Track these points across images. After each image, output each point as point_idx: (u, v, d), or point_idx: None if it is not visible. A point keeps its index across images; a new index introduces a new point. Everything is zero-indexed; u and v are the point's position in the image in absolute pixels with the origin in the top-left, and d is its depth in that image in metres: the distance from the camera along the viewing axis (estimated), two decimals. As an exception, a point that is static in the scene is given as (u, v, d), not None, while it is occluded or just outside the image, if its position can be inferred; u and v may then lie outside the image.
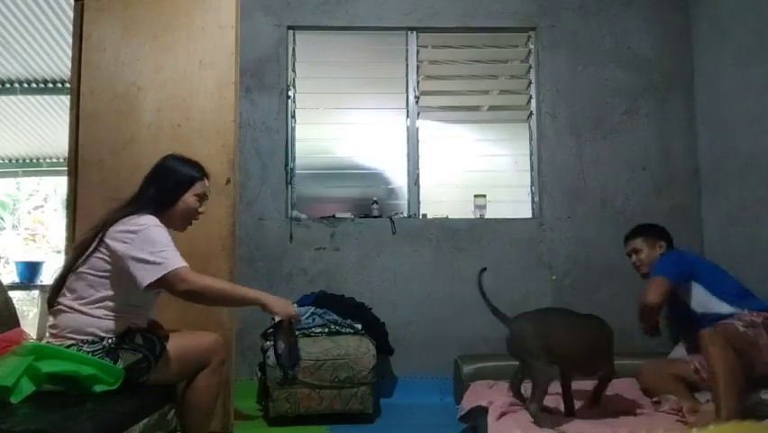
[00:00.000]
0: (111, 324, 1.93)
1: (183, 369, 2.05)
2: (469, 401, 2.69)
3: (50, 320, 1.97)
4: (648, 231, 2.87)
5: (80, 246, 1.98)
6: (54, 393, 1.78)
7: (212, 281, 1.98)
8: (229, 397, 2.64)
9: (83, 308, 1.92)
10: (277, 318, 2.09)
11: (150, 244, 1.89)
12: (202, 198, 2.14)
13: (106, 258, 1.93)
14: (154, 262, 1.87)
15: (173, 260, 1.90)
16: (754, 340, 2.27)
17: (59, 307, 1.95)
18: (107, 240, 1.93)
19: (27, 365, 1.70)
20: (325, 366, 2.94)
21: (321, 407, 2.96)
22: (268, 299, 2.02)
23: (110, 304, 1.94)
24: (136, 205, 2.02)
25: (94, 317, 1.92)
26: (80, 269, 1.94)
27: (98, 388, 1.80)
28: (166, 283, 1.89)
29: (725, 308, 2.49)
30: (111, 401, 1.75)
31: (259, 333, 3.35)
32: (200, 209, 2.14)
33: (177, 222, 2.10)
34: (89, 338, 1.89)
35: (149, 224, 1.94)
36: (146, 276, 1.87)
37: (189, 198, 2.09)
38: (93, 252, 1.93)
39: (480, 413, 2.52)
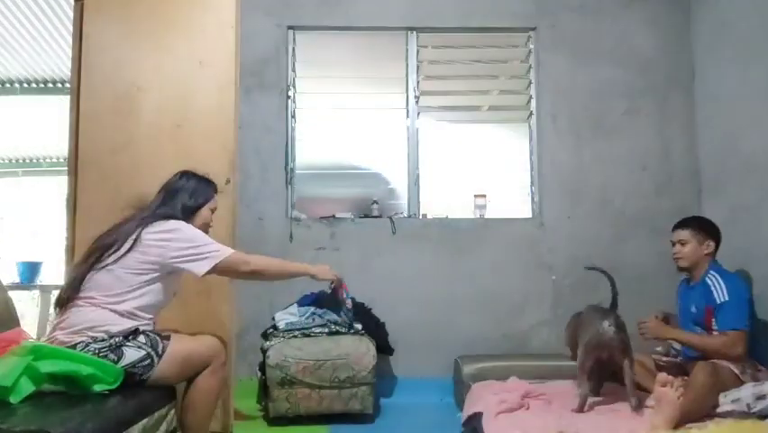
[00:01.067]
0: (127, 320, 1.98)
1: (184, 370, 2.08)
2: (468, 409, 2.68)
3: (60, 316, 1.98)
4: (700, 225, 2.78)
5: (106, 246, 2.04)
6: (54, 393, 1.78)
7: (267, 260, 2.34)
8: (229, 397, 2.64)
9: (107, 301, 1.97)
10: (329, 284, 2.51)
11: (192, 240, 2.09)
12: (214, 210, 2.33)
13: (143, 258, 2.02)
14: (204, 252, 2.08)
15: (224, 248, 2.13)
16: (737, 382, 2.37)
17: (76, 302, 1.97)
18: (143, 243, 2.03)
19: (26, 365, 1.71)
20: (325, 366, 2.94)
21: (321, 407, 2.96)
22: (312, 269, 2.37)
23: (138, 298, 2.02)
24: (162, 213, 2.15)
25: (115, 313, 1.97)
26: (110, 266, 2.00)
27: (98, 387, 1.81)
28: (225, 268, 2.12)
29: None
30: (111, 401, 1.76)
31: (259, 333, 3.35)
32: (211, 223, 2.34)
33: None
34: (100, 335, 1.92)
35: (184, 225, 2.12)
36: (201, 266, 2.07)
37: (206, 212, 2.28)
38: (128, 252, 2.02)
39: (478, 419, 2.52)
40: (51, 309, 4.68)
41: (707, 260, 2.75)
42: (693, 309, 2.72)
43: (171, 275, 2.12)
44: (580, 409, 2.36)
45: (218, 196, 2.34)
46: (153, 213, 2.15)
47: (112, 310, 1.97)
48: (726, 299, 2.58)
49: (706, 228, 2.78)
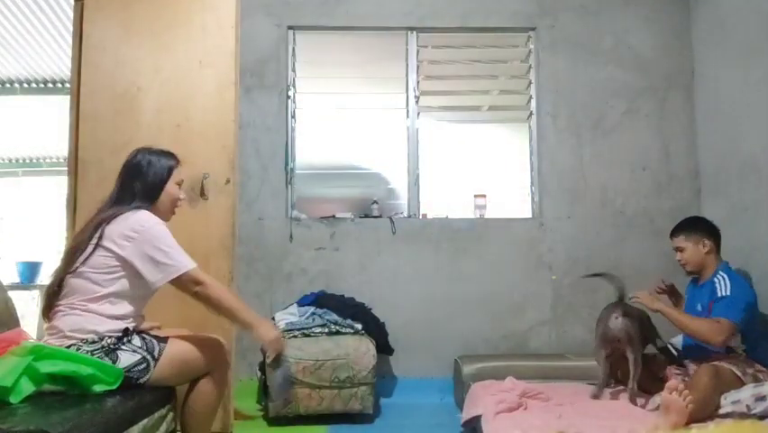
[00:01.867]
0: (112, 321, 1.93)
1: (184, 372, 2.05)
2: (468, 411, 2.67)
3: (48, 324, 1.95)
4: (691, 227, 2.78)
5: (76, 248, 1.97)
6: (54, 393, 1.78)
7: (222, 293, 2.04)
8: (229, 397, 2.63)
9: (86, 305, 1.92)
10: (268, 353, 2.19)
11: (157, 244, 1.95)
12: (181, 184, 2.18)
13: (108, 256, 1.94)
14: (165, 264, 1.94)
15: (185, 261, 1.98)
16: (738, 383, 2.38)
17: (58, 309, 1.94)
18: (106, 241, 1.94)
19: (26, 365, 1.70)
20: (325, 366, 2.94)
21: (321, 407, 2.96)
22: (260, 327, 2.09)
23: (113, 299, 1.95)
24: (124, 202, 2.03)
25: (96, 314, 1.92)
26: (80, 269, 1.93)
27: (98, 388, 1.80)
28: (180, 283, 1.97)
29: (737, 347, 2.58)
30: (110, 402, 1.75)
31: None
32: (181, 196, 2.19)
33: (163, 212, 2.12)
34: (90, 337, 1.89)
35: (150, 222, 1.98)
36: (159, 278, 1.95)
37: (172, 188, 2.13)
38: (93, 251, 1.93)
39: (478, 419, 2.52)
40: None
41: (711, 258, 2.75)
42: (699, 308, 2.71)
43: (138, 278, 1.99)
44: (596, 397, 2.51)
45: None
46: (113, 203, 2.03)
47: (93, 312, 1.92)
48: (728, 293, 2.59)
49: (698, 228, 2.78)
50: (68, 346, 1.87)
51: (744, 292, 2.62)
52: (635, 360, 2.42)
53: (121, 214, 1.98)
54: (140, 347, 1.95)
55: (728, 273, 2.68)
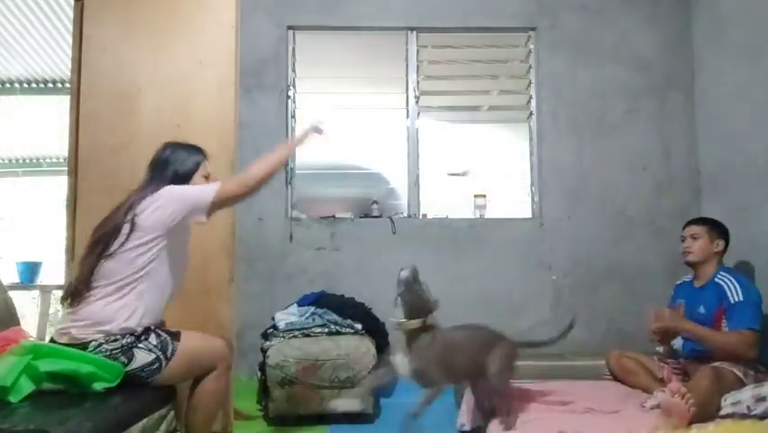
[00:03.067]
0: (137, 315, 1.95)
1: (189, 371, 2.07)
2: (469, 420, 2.67)
3: (72, 308, 1.95)
4: (714, 224, 2.83)
5: (110, 233, 1.99)
6: (54, 392, 1.78)
7: (253, 173, 2.13)
8: (229, 397, 2.63)
9: (115, 291, 1.94)
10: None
11: (182, 194, 2.06)
12: (207, 178, 2.22)
13: (143, 237, 1.98)
14: (198, 194, 2.06)
15: (211, 185, 2.09)
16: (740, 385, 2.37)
17: (86, 295, 1.94)
18: (140, 224, 1.98)
19: (26, 364, 1.70)
20: (325, 366, 2.94)
21: (321, 407, 2.96)
22: (292, 145, 2.40)
23: (143, 288, 1.98)
24: (153, 190, 2.07)
25: (124, 305, 1.93)
26: (116, 252, 1.96)
27: (97, 386, 1.81)
28: (223, 201, 2.08)
29: None
30: (111, 401, 1.75)
31: (259, 333, 3.35)
32: None
33: None
34: (113, 336, 1.90)
35: (166, 188, 2.07)
36: (201, 211, 2.05)
37: (198, 180, 2.18)
38: (130, 231, 1.97)
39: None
40: (58, 305, 4.67)
41: (715, 259, 2.77)
42: (702, 310, 2.70)
43: (177, 240, 2.08)
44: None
45: (207, 163, 2.25)
46: (143, 192, 2.08)
47: (120, 300, 1.93)
48: (741, 299, 2.58)
49: (719, 228, 2.82)
50: (89, 342, 1.88)
51: (755, 294, 2.63)
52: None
53: (148, 195, 2.05)
54: (155, 346, 1.96)
55: (732, 274, 2.69)
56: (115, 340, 1.90)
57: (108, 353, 1.88)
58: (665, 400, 2.14)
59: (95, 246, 2.00)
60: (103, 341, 1.89)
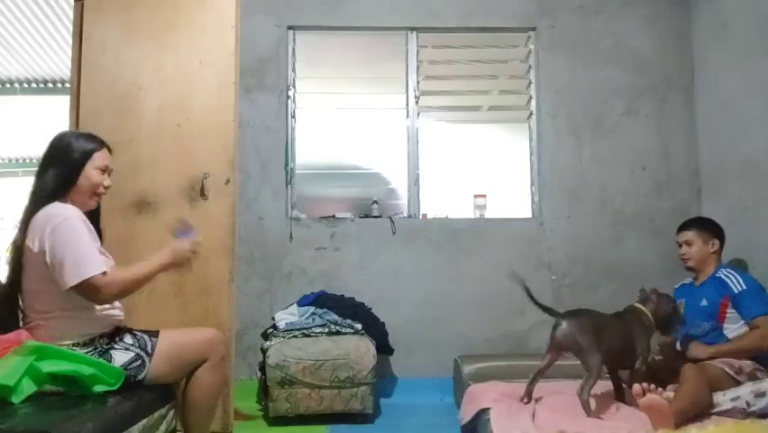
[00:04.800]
0: (93, 323, 1.91)
1: (180, 365, 2.03)
2: (469, 410, 2.67)
3: (29, 335, 1.85)
4: (704, 225, 2.84)
5: (15, 260, 1.86)
6: (54, 393, 1.78)
7: (123, 278, 1.88)
8: (229, 397, 2.64)
9: (59, 314, 1.86)
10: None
11: (63, 246, 1.79)
12: (105, 170, 2.00)
13: (36, 263, 1.82)
14: (71, 266, 1.78)
15: (90, 266, 1.80)
16: (732, 382, 2.39)
17: (32, 321, 1.86)
18: (31, 247, 1.81)
19: (28, 365, 1.70)
20: (325, 366, 2.94)
21: (321, 407, 2.96)
22: (158, 261, 1.96)
23: (77, 306, 1.87)
24: (39, 195, 1.89)
25: (72, 318, 1.88)
26: (26, 285, 1.85)
27: (98, 388, 1.81)
28: (84, 293, 1.81)
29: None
30: (111, 401, 1.75)
31: (259, 333, 3.35)
32: (105, 183, 2.01)
33: (82, 201, 1.96)
34: (83, 340, 1.88)
35: (62, 217, 1.82)
36: (66, 280, 1.79)
37: (91, 173, 1.95)
38: (26, 263, 1.83)
39: (480, 415, 2.52)
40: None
41: (713, 259, 2.80)
42: (704, 303, 2.73)
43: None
44: (523, 399, 2.49)
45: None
46: (30, 196, 1.88)
47: (69, 318, 1.86)
48: (745, 287, 2.63)
49: (709, 228, 2.83)
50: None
51: (756, 282, 2.67)
52: (587, 368, 2.35)
53: (35, 212, 1.84)
54: (132, 345, 1.94)
55: (733, 269, 2.74)
56: (86, 344, 1.86)
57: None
58: (641, 403, 2.15)
59: (12, 268, 1.87)
60: (74, 348, 1.85)
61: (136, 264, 1.96)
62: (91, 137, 2.02)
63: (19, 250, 1.85)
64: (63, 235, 1.80)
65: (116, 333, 1.96)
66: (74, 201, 1.93)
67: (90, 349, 1.87)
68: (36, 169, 1.94)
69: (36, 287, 1.86)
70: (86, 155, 1.95)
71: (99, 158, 1.98)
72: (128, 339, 1.95)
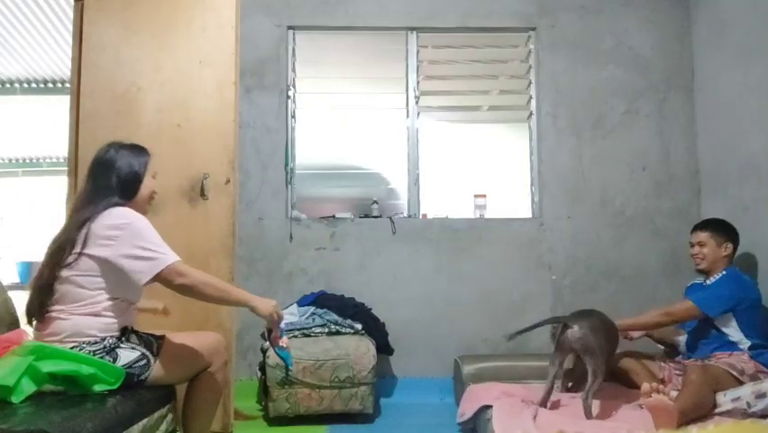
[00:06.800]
0: (108, 321, 1.92)
1: (183, 369, 2.05)
2: (469, 407, 2.67)
3: (42, 329, 1.90)
4: (718, 227, 2.83)
5: (61, 250, 1.91)
6: (54, 393, 1.78)
7: (207, 278, 1.97)
8: (229, 397, 2.64)
9: (80, 310, 1.89)
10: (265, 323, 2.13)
11: (140, 239, 1.89)
12: (154, 176, 2.12)
13: (95, 258, 1.88)
14: (148, 258, 1.88)
15: (168, 254, 1.91)
16: (735, 383, 2.39)
17: (51, 314, 1.89)
18: (91, 242, 1.88)
19: (28, 365, 1.70)
20: (325, 366, 2.94)
21: (321, 407, 2.96)
22: (255, 301, 2.03)
23: (104, 303, 1.92)
24: (101, 199, 1.95)
25: (93, 315, 1.90)
26: (67, 275, 1.88)
27: (98, 387, 1.80)
28: (162, 278, 1.90)
29: (741, 345, 2.61)
30: (111, 401, 1.75)
31: (259, 333, 3.35)
32: (156, 189, 2.13)
33: (142, 207, 2.07)
34: (91, 339, 1.88)
35: (132, 218, 1.93)
36: (143, 274, 1.88)
37: (148, 182, 2.08)
38: (79, 256, 1.88)
39: (480, 414, 2.52)
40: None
41: (725, 262, 2.79)
42: None
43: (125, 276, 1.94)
44: (542, 403, 2.45)
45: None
46: (89, 201, 1.95)
47: (91, 314, 1.89)
48: (712, 281, 2.71)
49: (725, 230, 2.82)
50: (71, 348, 1.86)
51: (728, 288, 2.66)
52: (593, 371, 2.34)
53: (101, 212, 1.91)
54: (138, 344, 1.95)
55: (729, 273, 2.71)
56: (95, 343, 1.88)
57: (91, 354, 1.85)
58: (646, 402, 2.15)
59: (50, 262, 1.92)
60: (84, 345, 1.86)
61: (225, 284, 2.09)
62: (142, 147, 2.12)
63: (63, 249, 1.90)
64: (139, 234, 1.90)
65: (123, 333, 1.97)
66: (134, 208, 2.01)
67: (98, 348, 1.88)
68: (92, 176, 2.02)
69: (82, 278, 1.89)
70: (145, 166, 2.07)
71: (152, 166, 2.10)
72: (134, 339, 1.97)
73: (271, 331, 2.13)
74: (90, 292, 1.90)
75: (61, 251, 1.90)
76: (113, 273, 1.91)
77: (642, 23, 3.91)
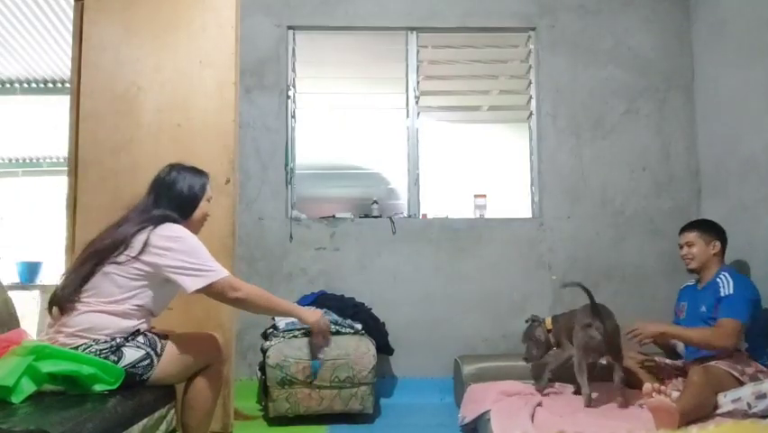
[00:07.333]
0: (124, 324, 1.95)
1: (184, 369, 2.07)
2: (470, 410, 2.67)
3: (60, 318, 1.94)
4: (705, 227, 2.85)
5: (112, 247, 1.98)
6: (54, 393, 1.78)
7: (258, 292, 2.16)
8: (229, 397, 2.64)
9: (107, 307, 1.93)
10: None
11: (193, 254, 2.01)
12: (209, 200, 2.25)
13: (143, 263, 1.97)
14: (201, 269, 2.00)
15: (219, 270, 2.04)
16: (737, 384, 2.39)
17: (77, 305, 1.93)
18: (149, 247, 1.97)
19: (27, 365, 1.70)
20: (325, 366, 2.94)
21: (321, 407, 2.96)
22: (302, 312, 2.30)
23: (133, 306, 1.98)
24: (158, 214, 2.07)
25: (114, 315, 1.94)
26: (108, 269, 1.95)
27: (98, 387, 1.81)
28: (215, 290, 2.03)
29: (740, 345, 2.59)
30: (111, 401, 1.75)
31: (259, 333, 3.35)
32: (209, 212, 2.27)
33: (195, 228, 2.19)
34: (102, 337, 1.90)
35: (185, 234, 2.04)
36: (194, 283, 1.99)
37: (204, 205, 2.21)
38: (131, 258, 1.96)
39: (481, 415, 2.52)
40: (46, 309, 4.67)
41: (715, 261, 2.80)
42: (703, 309, 2.73)
43: (166, 285, 2.05)
44: (589, 406, 2.44)
45: (218, 195, 2.29)
46: (152, 215, 2.06)
47: (113, 313, 1.94)
48: (731, 292, 2.63)
49: (711, 229, 2.84)
50: (78, 346, 1.88)
51: (747, 290, 2.65)
52: (619, 366, 2.39)
53: (161, 224, 2.02)
54: (143, 343, 1.97)
55: (731, 273, 2.71)
56: (105, 342, 1.90)
57: (98, 353, 1.87)
58: (648, 403, 2.15)
59: (91, 258, 1.99)
60: (93, 343, 1.89)
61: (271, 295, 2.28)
62: (202, 172, 2.25)
63: (116, 247, 1.97)
64: (192, 249, 2.02)
65: (134, 333, 1.99)
66: (187, 228, 2.12)
67: (105, 346, 1.89)
68: (153, 193, 2.14)
69: (122, 278, 1.96)
70: (203, 189, 2.21)
71: (209, 190, 2.24)
72: (140, 338, 1.99)
73: (315, 339, 2.35)
74: (122, 293, 1.96)
75: (114, 249, 1.97)
76: (154, 281, 2.00)
77: (642, 22, 3.91)
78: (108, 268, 1.96)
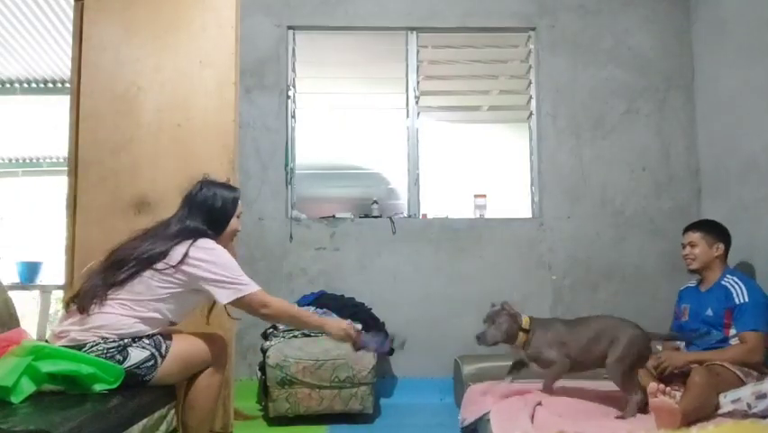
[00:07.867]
0: (139, 328, 1.97)
1: (186, 369, 2.08)
2: (470, 412, 2.67)
3: (78, 315, 1.94)
4: (709, 228, 2.81)
5: (157, 256, 2.01)
6: (54, 393, 1.78)
7: (286, 308, 2.20)
8: (229, 397, 2.63)
9: (129, 311, 1.96)
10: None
11: (227, 268, 2.06)
12: (240, 216, 2.29)
13: (180, 273, 2.01)
14: (234, 282, 2.05)
15: (250, 284, 2.08)
16: (740, 384, 2.38)
17: (100, 306, 1.94)
18: (186, 260, 2.01)
19: (27, 365, 1.70)
20: (325, 366, 2.94)
21: (321, 407, 2.96)
22: (327, 326, 2.24)
23: (150, 312, 2.00)
24: (191, 228, 2.11)
25: (135, 318, 1.96)
26: (148, 274, 1.99)
27: (98, 387, 1.81)
28: (245, 303, 2.07)
29: None
30: (111, 401, 1.75)
31: (259, 333, 3.35)
32: (239, 228, 2.30)
33: (225, 242, 2.21)
34: (111, 336, 1.91)
35: (218, 248, 2.09)
36: (228, 295, 2.04)
37: (234, 221, 2.25)
38: (173, 267, 2.00)
39: (481, 416, 2.52)
40: (58, 305, 4.67)
41: (718, 263, 2.76)
42: (709, 312, 2.69)
43: (192, 295, 2.09)
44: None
45: (240, 204, 2.31)
46: (188, 227, 2.11)
47: (134, 316, 1.97)
48: (746, 300, 2.59)
49: (715, 231, 2.80)
50: (86, 343, 1.89)
51: (759, 296, 2.63)
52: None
53: (199, 238, 2.07)
54: (148, 344, 1.97)
55: (739, 277, 2.69)
56: (113, 341, 1.92)
57: (104, 351, 1.88)
58: (652, 402, 2.15)
59: (139, 262, 2.01)
60: (101, 341, 1.90)
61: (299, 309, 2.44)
62: (234, 188, 2.30)
63: (157, 256, 2.02)
64: (224, 264, 2.07)
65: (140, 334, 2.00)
66: (218, 242, 2.15)
67: (112, 346, 1.90)
68: (185, 207, 2.18)
69: (155, 283, 2.00)
70: (234, 205, 2.24)
71: (239, 206, 2.28)
72: (146, 339, 1.99)
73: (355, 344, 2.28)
74: (147, 297, 1.99)
75: (155, 258, 2.01)
76: (184, 291, 2.04)
77: (642, 22, 3.91)
78: (148, 273, 2.00)
